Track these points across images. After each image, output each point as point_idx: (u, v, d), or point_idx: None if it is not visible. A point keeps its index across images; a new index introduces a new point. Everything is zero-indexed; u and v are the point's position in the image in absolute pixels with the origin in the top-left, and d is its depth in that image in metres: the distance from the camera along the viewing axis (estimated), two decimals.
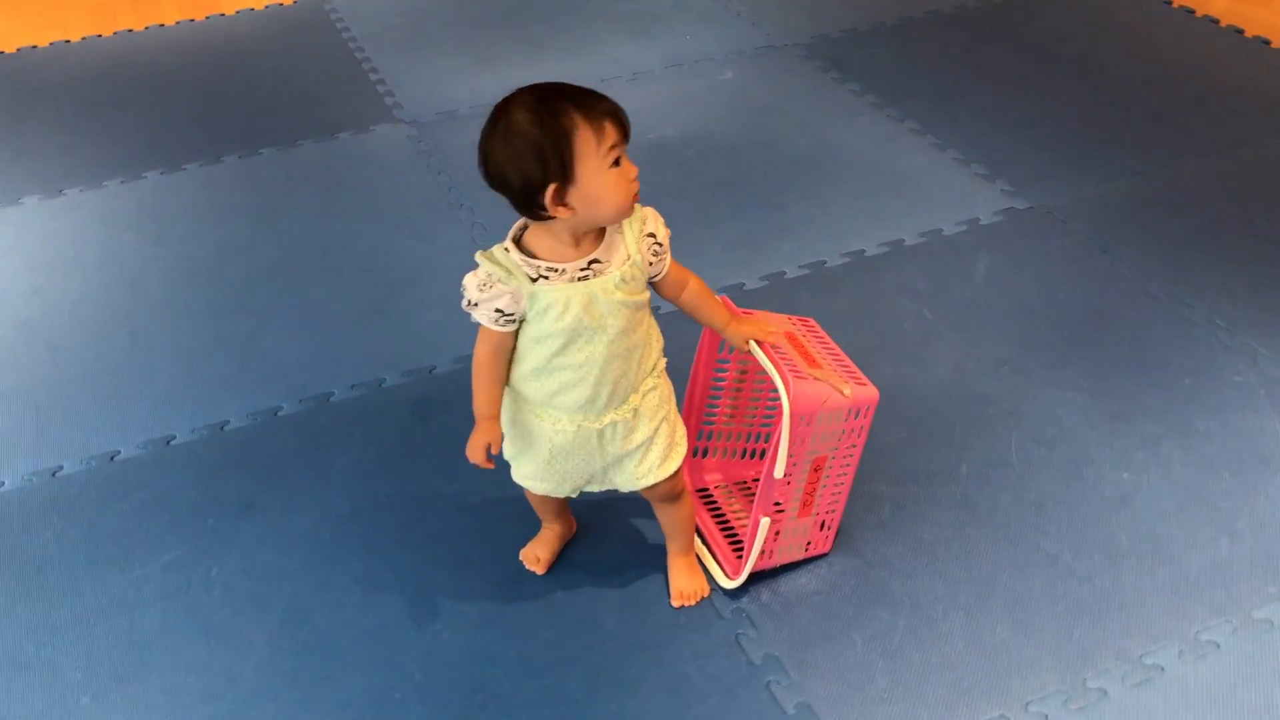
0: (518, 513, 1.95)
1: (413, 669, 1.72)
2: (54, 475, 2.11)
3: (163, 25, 3.97)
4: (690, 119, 3.17)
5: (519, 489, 1.93)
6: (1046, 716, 1.61)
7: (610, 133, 1.37)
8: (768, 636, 1.74)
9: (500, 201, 2.68)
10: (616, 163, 1.39)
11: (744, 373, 1.91)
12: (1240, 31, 3.51)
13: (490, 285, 1.47)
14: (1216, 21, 3.57)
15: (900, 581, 1.82)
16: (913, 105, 3.21)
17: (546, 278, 1.47)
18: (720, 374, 1.90)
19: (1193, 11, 3.65)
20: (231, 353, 2.39)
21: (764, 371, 1.88)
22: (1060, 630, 1.73)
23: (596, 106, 1.38)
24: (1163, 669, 1.67)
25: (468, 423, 2.09)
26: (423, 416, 2.20)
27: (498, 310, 1.48)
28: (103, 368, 2.37)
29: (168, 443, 2.17)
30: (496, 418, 1.60)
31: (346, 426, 2.19)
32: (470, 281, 1.49)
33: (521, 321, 1.52)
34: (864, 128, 3.12)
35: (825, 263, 2.58)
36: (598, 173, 1.38)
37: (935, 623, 1.76)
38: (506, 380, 1.61)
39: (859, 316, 2.39)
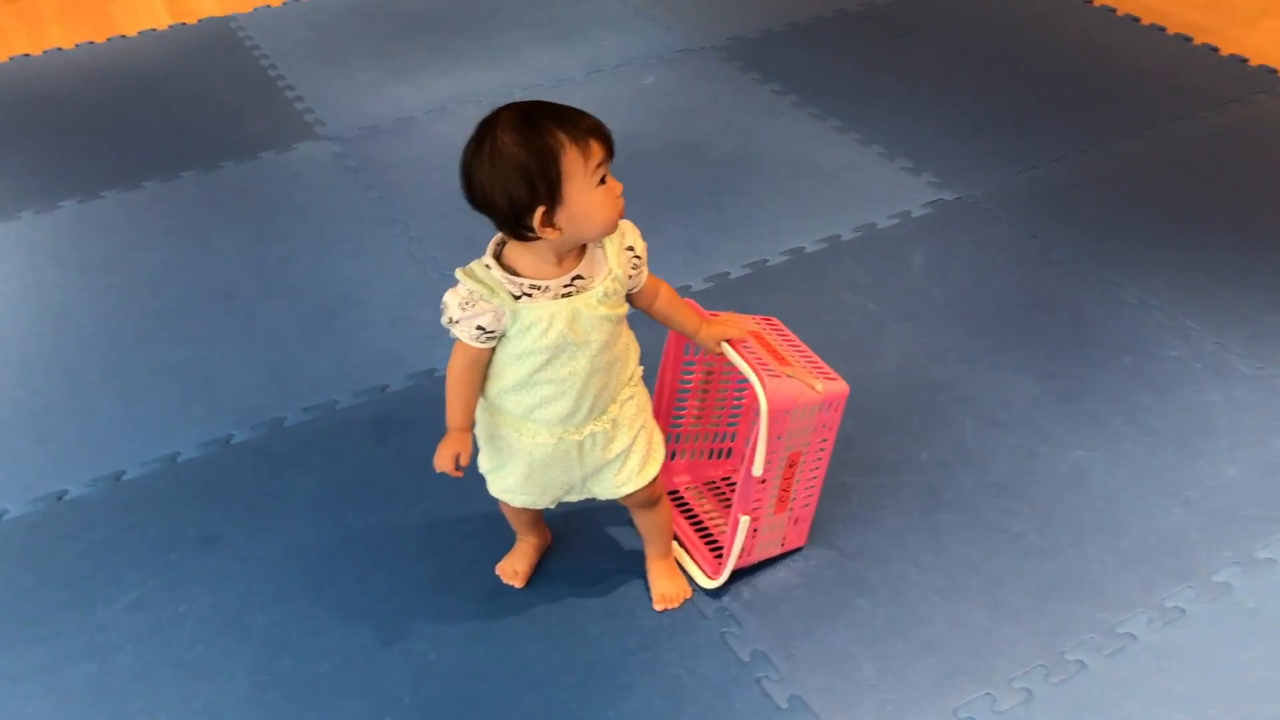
0: (490, 527, 1.94)
1: (401, 692, 1.70)
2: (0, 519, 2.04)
3: (60, 49, 3.84)
4: (618, 123, 3.12)
5: (490, 504, 1.93)
6: (1030, 691, 1.66)
7: (596, 151, 1.38)
8: (753, 633, 1.76)
9: (434, 213, 2.68)
10: (602, 180, 1.40)
11: (710, 374, 1.93)
12: (1137, 20, 3.65)
13: (473, 303, 1.46)
14: (1114, 10, 3.71)
15: (875, 570, 1.86)
16: (833, 103, 3.26)
17: (530, 295, 1.46)
18: (686, 377, 1.92)
19: (1089, 1, 3.78)
20: (175, 382, 2.33)
21: (729, 372, 1.91)
22: (1034, 607, 1.79)
23: (581, 125, 1.38)
24: (1135, 637, 1.73)
25: (428, 440, 2.07)
26: (381, 436, 2.17)
27: (479, 328, 1.47)
28: (39, 405, 2.29)
29: (118, 478, 2.11)
30: (468, 429, 1.59)
31: (304, 451, 2.15)
32: (451, 299, 1.47)
33: (500, 337, 1.51)
34: (788, 126, 3.17)
35: (767, 261, 2.62)
36: (585, 192, 1.38)
37: (914, 609, 1.79)
38: (483, 394, 1.60)
39: (807, 313, 2.42)
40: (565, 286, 1.47)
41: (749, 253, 2.65)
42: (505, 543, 1.89)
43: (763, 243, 2.68)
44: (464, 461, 1.57)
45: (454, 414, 1.57)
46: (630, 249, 1.53)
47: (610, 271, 1.50)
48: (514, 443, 1.61)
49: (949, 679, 1.68)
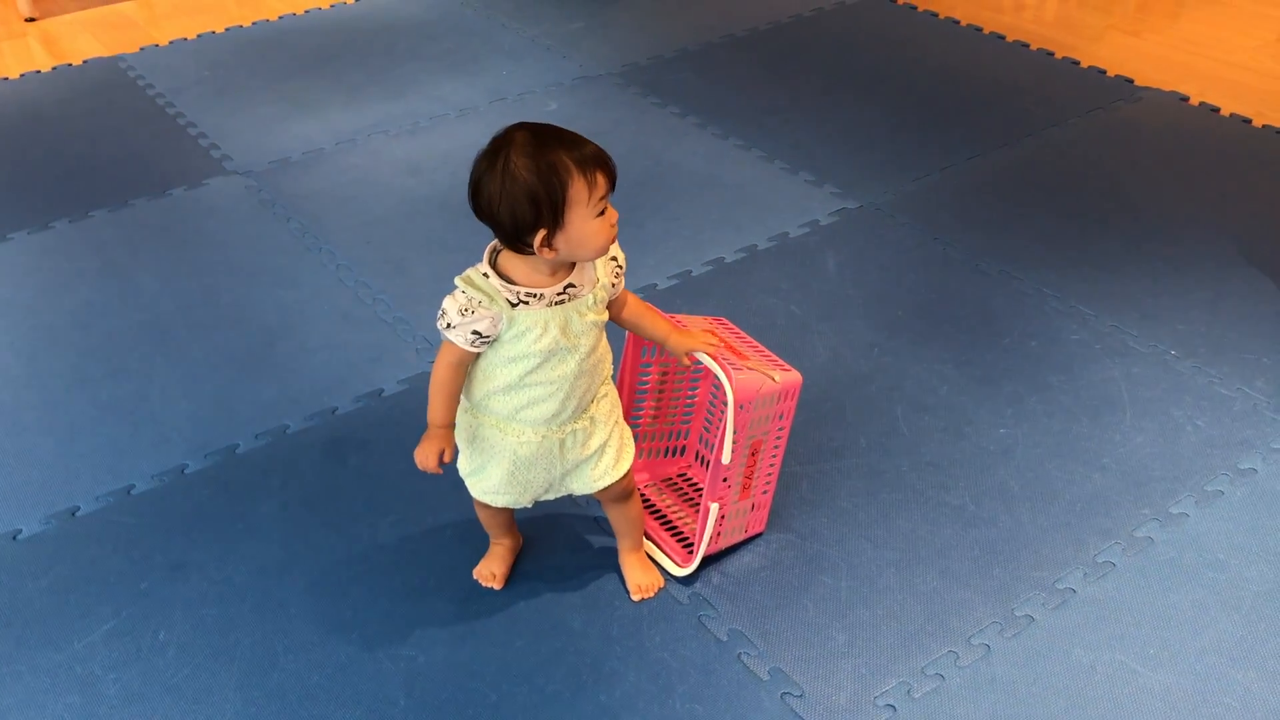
0: (460, 535, 2.00)
1: (396, 695, 1.74)
2: None
3: None
4: None
5: (456, 513, 2.00)
6: (989, 646, 1.80)
7: (601, 184, 1.47)
8: (727, 614, 1.86)
9: (358, 240, 2.74)
10: (603, 211, 1.49)
11: (665, 375, 2.03)
12: (1002, 37, 3.91)
13: (472, 309, 1.53)
14: (980, 29, 3.97)
15: (833, 549, 1.98)
16: (732, 123, 3.42)
17: (526, 302, 1.54)
18: (644, 378, 2.01)
19: (958, 22, 4.03)
20: (118, 417, 2.32)
21: (682, 373, 2.02)
22: (981, 571, 1.93)
23: (589, 157, 1.46)
24: (1074, 591, 1.89)
25: (388, 458, 2.14)
26: (338, 457, 2.20)
27: (475, 332, 1.54)
28: None
29: (73, 514, 2.09)
30: (451, 426, 1.66)
31: (261, 475, 2.17)
32: (450, 305, 1.54)
33: (492, 343, 1.58)
34: (693, 146, 3.31)
35: (691, 272, 2.74)
36: (585, 220, 1.47)
37: (873, 580, 1.92)
38: (466, 397, 1.67)
39: (734, 317, 2.50)
40: (559, 295, 1.56)
41: (672, 265, 2.76)
42: (478, 548, 1.95)
43: (684, 255, 2.80)
44: (447, 459, 1.64)
45: (437, 412, 1.64)
46: (614, 259, 1.63)
47: (598, 281, 1.60)
48: (498, 443, 1.68)
49: (914, 641, 1.81)
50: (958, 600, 1.88)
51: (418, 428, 2.08)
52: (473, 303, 1.53)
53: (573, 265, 1.58)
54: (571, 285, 1.57)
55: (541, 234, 1.46)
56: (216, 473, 2.18)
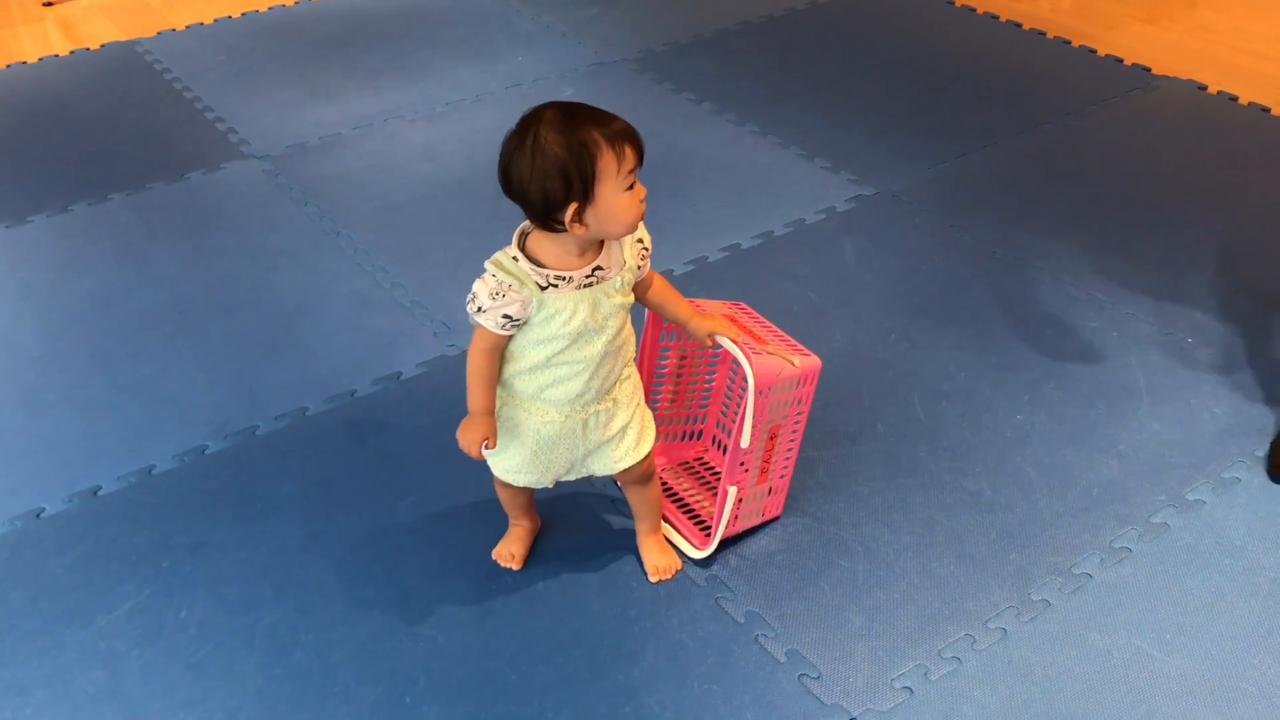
0: (479, 516, 2.01)
1: (416, 674, 1.76)
2: None
3: None
4: None
5: (475, 494, 2.01)
6: (1005, 630, 1.80)
7: (630, 157, 1.48)
8: (744, 596, 1.87)
9: (376, 225, 2.75)
10: (631, 185, 1.50)
11: (683, 359, 2.03)
12: (1018, 25, 3.90)
13: (502, 293, 1.54)
14: (996, 17, 3.96)
15: (850, 533, 1.99)
16: (748, 109, 3.42)
17: (555, 285, 1.55)
18: (662, 362, 2.02)
19: (974, 9, 4.02)
20: (138, 399, 2.33)
21: (700, 358, 2.03)
22: (998, 556, 1.94)
23: (618, 131, 1.47)
24: (1090, 576, 1.90)
25: (407, 440, 2.15)
26: (358, 438, 2.22)
27: (505, 316, 1.55)
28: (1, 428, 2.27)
29: (95, 493, 2.11)
30: (491, 412, 1.67)
31: (281, 457, 2.18)
32: (481, 289, 1.55)
33: (522, 325, 1.59)
34: (709, 132, 3.31)
35: (707, 258, 2.74)
36: (614, 194, 1.48)
37: (890, 564, 1.93)
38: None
39: (751, 304, 2.52)
40: (587, 277, 1.57)
41: (688, 251, 2.77)
42: (497, 529, 1.96)
43: (700, 241, 2.81)
44: (491, 445, 1.65)
45: (476, 398, 1.65)
46: (640, 241, 1.64)
47: (625, 263, 1.61)
48: (522, 422, 1.69)
49: (931, 624, 1.82)
50: (974, 584, 1.89)
51: (436, 410, 2.11)
52: (503, 286, 1.54)
53: (600, 247, 1.59)
54: (600, 268, 1.58)
55: (572, 208, 1.47)
56: (237, 453, 2.20)
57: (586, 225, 1.50)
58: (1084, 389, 2.29)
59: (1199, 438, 2.17)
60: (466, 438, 1.65)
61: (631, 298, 1.66)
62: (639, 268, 1.65)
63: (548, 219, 1.50)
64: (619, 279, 1.60)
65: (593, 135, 1.45)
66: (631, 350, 1.73)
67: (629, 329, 1.69)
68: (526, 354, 1.62)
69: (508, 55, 3.80)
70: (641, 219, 1.56)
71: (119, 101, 3.56)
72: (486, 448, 1.66)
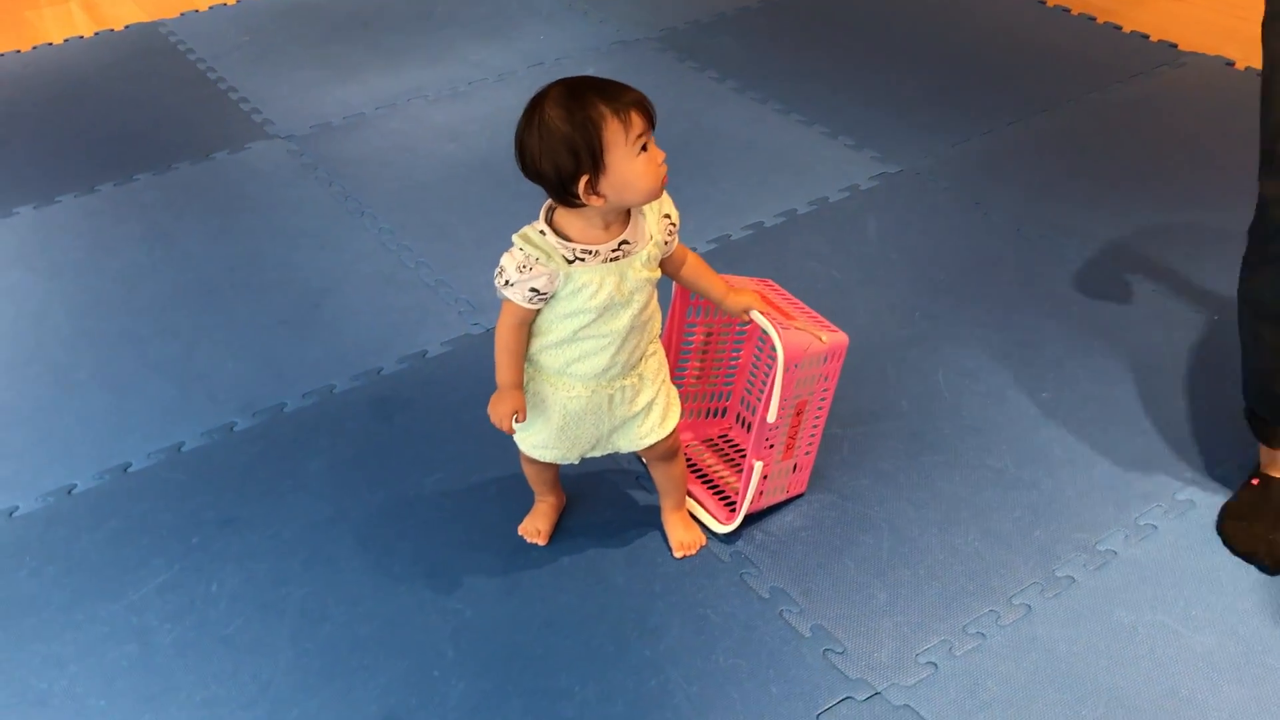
0: (504, 492, 2.03)
1: (444, 647, 1.78)
2: (11, 516, 2.05)
3: None
4: None
5: (501, 470, 2.03)
6: (1030, 606, 1.81)
7: (636, 122, 1.48)
8: (769, 572, 1.88)
9: (400, 205, 2.77)
10: (644, 149, 1.50)
11: (709, 336, 2.04)
12: (1043, 2, 3.88)
13: (530, 267, 1.55)
14: None
15: (875, 509, 1.99)
16: (771, 87, 3.41)
17: (582, 259, 1.56)
18: (688, 338, 2.03)
19: None
20: (167, 376, 2.35)
21: (726, 334, 2.03)
22: (1022, 533, 1.94)
23: (622, 98, 1.48)
24: (1115, 553, 1.90)
25: (432, 417, 2.17)
26: (385, 415, 2.23)
27: (533, 290, 1.56)
28: (30, 406, 2.30)
29: (125, 470, 2.13)
30: (520, 385, 1.69)
31: (309, 434, 2.20)
32: (509, 263, 1.56)
33: (549, 299, 1.60)
34: (732, 110, 3.30)
35: (730, 236, 2.74)
36: (626, 160, 1.48)
37: (914, 541, 1.93)
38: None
39: (775, 282, 2.54)
40: (614, 251, 1.58)
41: (711, 229, 2.77)
42: (522, 506, 1.97)
43: (723, 219, 2.81)
44: (521, 419, 1.67)
45: (505, 373, 1.66)
46: (667, 216, 1.64)
47: (651, 237, 1.61)
48: (549, 397, 1.71)
49: (955, 600, 1.82)
50: (999, 561, 1.89)
51: (461, 388, 2.12)
52: (530, 259, 1.55)
53: (627, 220, 1.59)
54: (626, 242, 1.59)
55: (584, 180, 1.48)
56: (265, 430, 2.22)
57: (604, 196, 1.51)
58: (1107, 365, 2.29)
59: (1226, 415, 2.15)
60: (497, 412, 1.67)
61: (658, 272, 1.66)
62: (666, 243, 1.65)
63: (565, 194, 1.51)
64: (645, 253, 1.61)
65: (596, 106, 1.46)
66: (658, 326, 1.73)
67: (655, 304, 1.69)
68: (553, 328, 1.63)
69: (529, 34, 3.80)
70: (662, 182, 1.55)
71: (143, 82, 3.58)
72: (516, 421, 1.68)
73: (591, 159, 1.47)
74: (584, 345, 1.63)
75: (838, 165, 3.01)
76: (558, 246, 1.56)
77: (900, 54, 3.58)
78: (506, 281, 1.57)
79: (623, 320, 1.62)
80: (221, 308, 2.56)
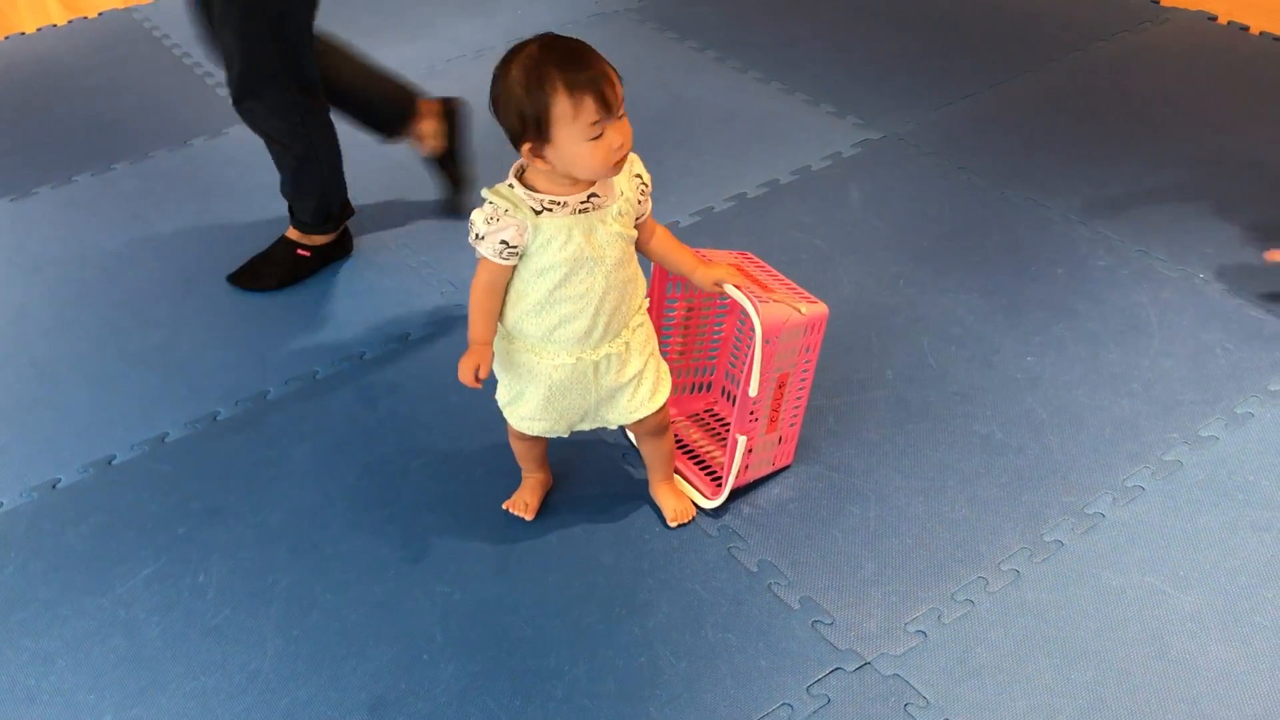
0: (491, 473, 2.02)
1: (433, 631, 1.77)
2: None
3: None
4: None
5: (487, 452, 2.02)
6: (1019, 572, 1.81)
7: (590, 108, 1.46)
8: (757, 545, 1.88)
9: (382, 186, 2.74)
10: (600, 135, 1.48)
11: (690, 311, 2.03)
12: None
13: (497, 218, 1.56)
14: None
15: (861, 480, 1.99)
16: (751, 56, 3.38)
17: (550, 210, 1.57)
18: (670, 313, 2.01)
19: None
20: (149, 366, 2.34)
21: (708, 308, 2.02)
22: (1009, 498, 1.93)
23: (580, 77, 1.46)
24: (1103, 515, 1.89)
25: (416, 400, 2.16)
26: (369, 401, 2.22)
27: (503, 242, 1.57)
28: (13, 400, 2.29)
29: (109, 462, 2.12)
30: (489, 343, 1.70)
31: (293, 421, 2.19)
32: (478, 216, 1.58)
33: (522, 257, 1.60)
34: (712, 80, 3.28)
35: (713, 208, 2.72)
36: (572, 139, 1.48)
37: (901, 510, 1.93)
38: (501, 322, 1.70)
39: (758, 253, 2.48)
40: (582, 203, 1.58)
41: (694, 201, 2.75)
42: (508, 487, 1.97)
43: (706, 190, 2.79)
44: (483, 374, 1.68)
45: (475, 329, 1.68)
46: (639, 176, 1.63)
47: (622, 193, 1.61)
48: (534, 367, 1.70)
49: (943, 568, 1.82)
50: (987, 527, 1.89)
51: (445, 370, 2.09)
52: (498, 211, 1.56)
53: None
54: (595, 195, 1.59)
55: (527, 146, 1.50)
56: (249, 418, 2.21)
57: (550, 163, 1.52)
58: (1095, 328, 2.28)
59: (1212, 374, 2.15)
60: (462, 367, 1.68)
61: (633, 232, 1.64)
62: (640, 202, 1.64)
63: (516, 149, 1.53)
64: (615, 207, 1.60)
65: (553, 80, 1.45)
66: (641, 292, 1.72)
67: (634, 268, 1.68)
68: (530, 289, 1.63)
69: (507, 8, 3.77)
70: (614, 168, 1.54)
71: (119, 70, 3.55)
72: (480, 375, 1.68)
73: (537, 128, 1.48)
74: (563, 309, 1.63)
75: (820, 133, 2.99)
76: (525, 198, 1.57)
77: (880, 19, 3.55)
78: (477, 235, 1.58)
79: (597, 279, 1.61)
80: (203, 296, 2.54)
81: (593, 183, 1.58)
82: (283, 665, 1.74)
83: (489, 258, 1.59)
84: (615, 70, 1.50)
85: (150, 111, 3.30)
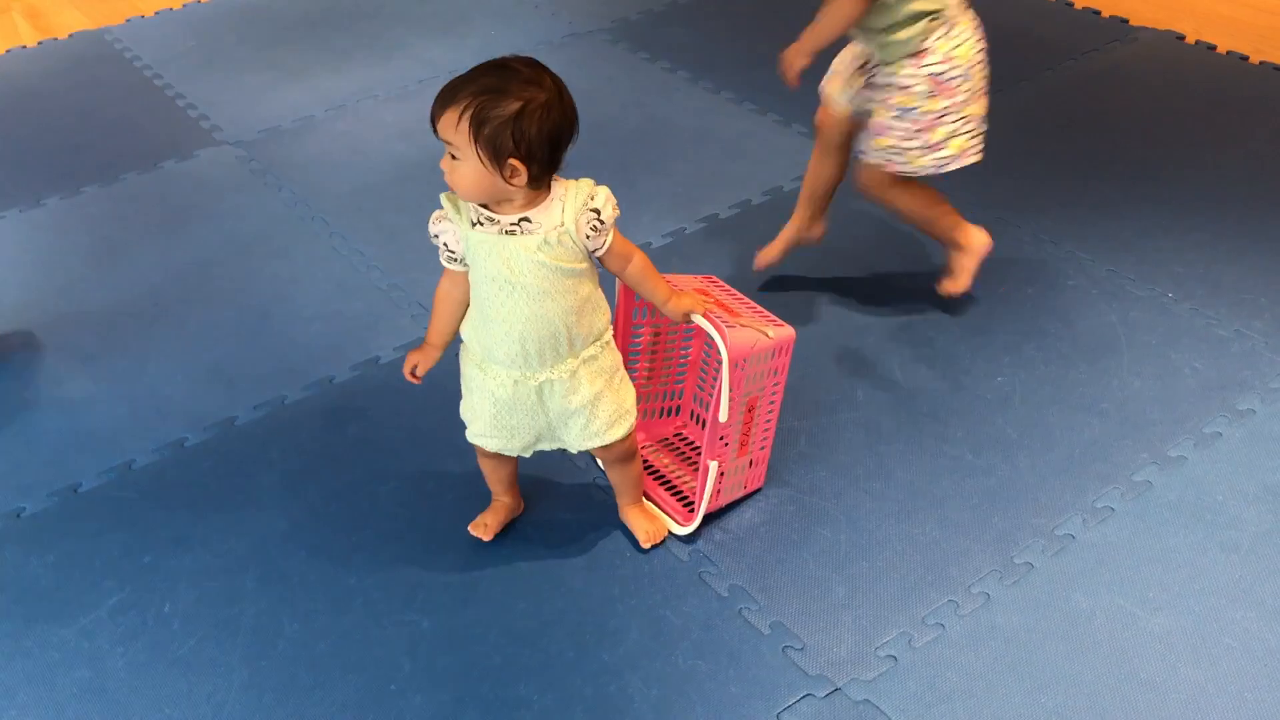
0: (460, 500, 2.01)
1: (401, 660, 1.76)
2: None
3: None
4: None
5: (457, 479, 2.01)
6: (989, 595, 1.80)
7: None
8: (728, 570, 1.87)
9: (352, 207, 2.75)
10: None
11: (657, 335, 2.02)
12: None
13: (439, 221, 1.62)
14: None
15: (832, 503, 1.98)
16: (724, 76, 3.39)
17: (482, 224, 1.59)
18: (636, 337, 2.01)
19: None
20: (116, 393, 2.32)
21: (674, 332, 2.02)
22: (980, 520, 1.93)
23: (435, 102, 1.55)
24: (1073, 537, 1.89)
25: (386, 425, 2.16)
26: (337, 425, 2.21)
27: (445, 245, 1.63)
28: None
29: (75, 490, 2.10)
30: (438, 346, 1.76)
31: (260, 447, 2.17)
32: (433, 216, 1.64)
33: (469, 267, 1.64)
34: (685, 101, 3.28)
35: (685, 230, 2.72)
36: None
37: (872, 533, 1.92)
38: (460, 332, 1.73)
39: (728, 274, 2.53)
40: (511, 225, 1.58)
41: (666, 223, 2.75)
42: (478, 513, 1.95)
43: (678, 212, 2.79)
44: (420, 372, 1.76)
45: (430, 330, 1.76)
46: (595, 211, 1.60)
47: (561, 224, 1.58)
48: (480, 382, 1.72)
49: (914, 591, 1.82)
50: (957, 549, 1.88)
51: (415, 394, 2.10)
52: (442, 215, 1.62)
53: (536, 200, 1.59)
54: (527, 220, 1.58)
55: (517, 163, 1.53)
56: (216, 445, 2.19)
57: (517, 186, 1.56)
58: (1064, 348, 2.29)
59: (1181, 393, 2.16)
60: (406, 359, 1.78)
61: (572, 264, 1.61)
62: (589, 237, 1.61)
63: (501, 161, 1.54)
64: (543, 237, 1.58)
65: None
66: (595, 327, 1.69)
67: (580, 300, 1.64)
68: (474, 302, 1.68)
69: (479, 29, 3.77)
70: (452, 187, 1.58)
71: (89, 92, 3.53)
72: (417, 373, 1.76)
73: (552, 154, 1.56)
74: (493, 329, 1.65)
75: (791, 153, 2.99)
76: (466, 209, 1.59)
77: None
78: (434, 236, 1.64)
79: (518, 304, 1.61)
80: (171, 320, 2.52)
81: (531, 206, 1.58)
82: (249, 697, 1.72)
83: (441, 259, 1.65)
84: None
85: (120, 133, 3.28)
